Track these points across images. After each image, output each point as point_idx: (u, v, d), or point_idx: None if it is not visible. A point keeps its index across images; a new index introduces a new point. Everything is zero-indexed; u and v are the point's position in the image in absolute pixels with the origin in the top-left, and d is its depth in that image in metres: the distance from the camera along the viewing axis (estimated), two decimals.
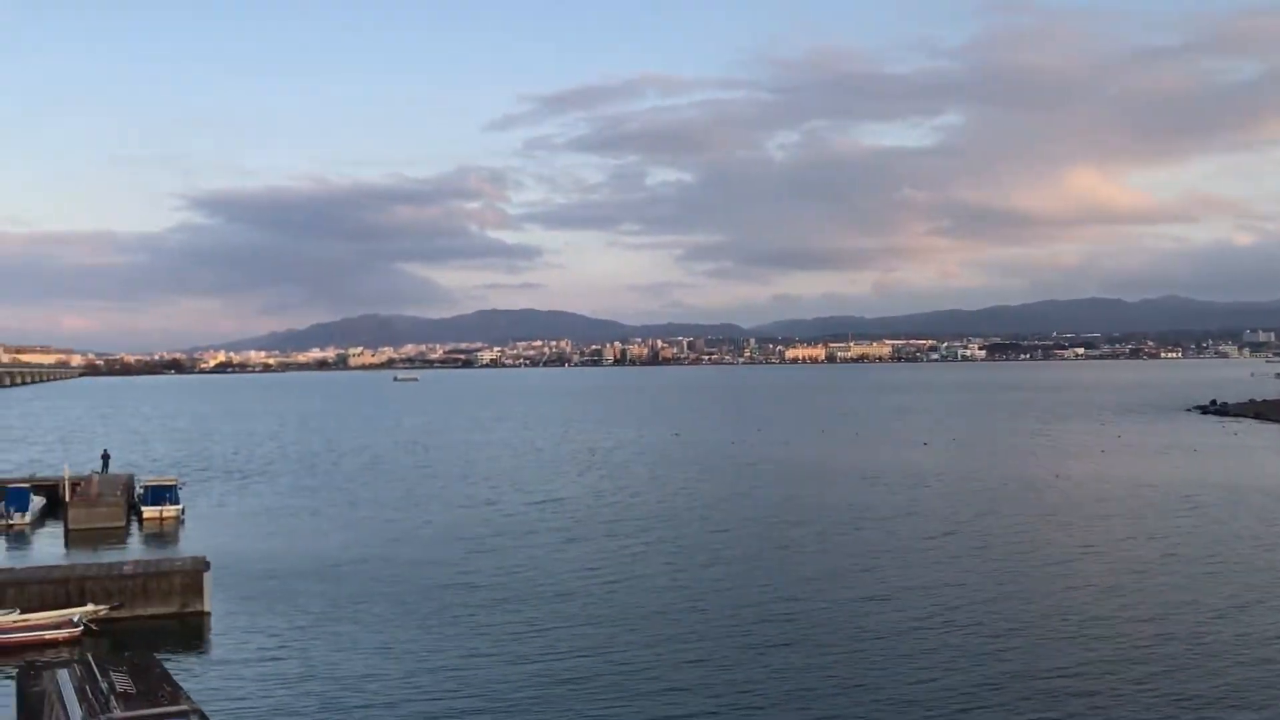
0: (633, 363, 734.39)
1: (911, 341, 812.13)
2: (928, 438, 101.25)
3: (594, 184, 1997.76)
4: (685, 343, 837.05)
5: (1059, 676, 26.85)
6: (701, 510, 56.49)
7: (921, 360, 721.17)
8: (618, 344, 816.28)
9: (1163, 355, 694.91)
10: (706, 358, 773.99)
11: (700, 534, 49.02)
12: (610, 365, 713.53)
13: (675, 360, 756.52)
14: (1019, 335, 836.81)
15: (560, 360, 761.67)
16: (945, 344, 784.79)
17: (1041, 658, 28.58)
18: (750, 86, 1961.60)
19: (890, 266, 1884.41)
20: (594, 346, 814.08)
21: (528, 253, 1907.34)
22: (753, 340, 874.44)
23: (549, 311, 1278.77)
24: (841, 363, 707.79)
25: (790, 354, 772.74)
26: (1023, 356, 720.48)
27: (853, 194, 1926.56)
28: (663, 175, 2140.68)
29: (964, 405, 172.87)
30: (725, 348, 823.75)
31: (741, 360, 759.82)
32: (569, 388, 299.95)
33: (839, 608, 34.29)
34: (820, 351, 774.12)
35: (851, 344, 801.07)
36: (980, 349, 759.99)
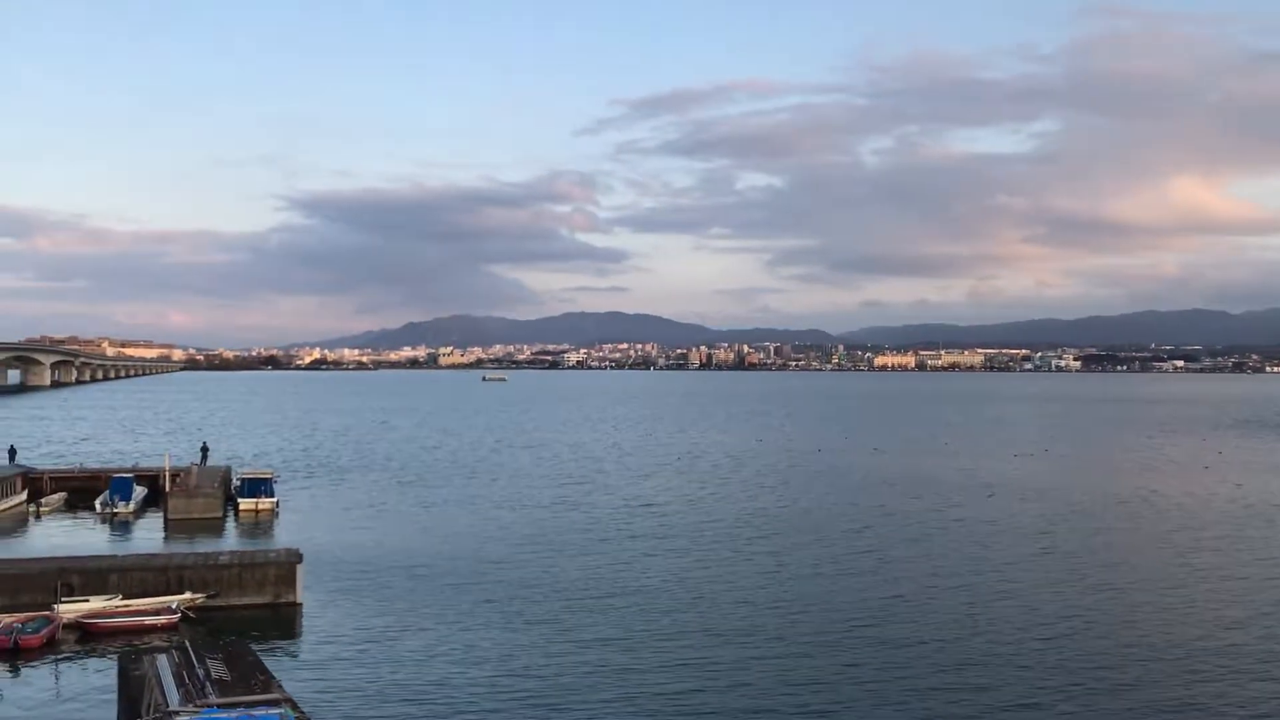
0: (718, 367, 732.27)
1: (1004, 351, 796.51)
2: (1020, 449, 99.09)
3: (683, 188, 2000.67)
4: (772, 348, 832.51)
5: (1172, 711, 25.89)
6: (788, 518, 55.94)
7: (1014, 370, 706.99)
8: (703, 348, 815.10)
9: (1269, 369, 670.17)
10: (793, 364, 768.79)
11: (788, 543, 48.36)
12: (695, 369, 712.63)
13: (761, 366, 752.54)
14: (1116, 346, 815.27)
15: (645, 363, 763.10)
16: (1039, 354, 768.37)
17: (1149, 688, 27.62)
18: (843, 91, 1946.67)
19: (983, 274, 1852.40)
20: (679, 350, 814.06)
21: (615, 256, 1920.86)
22: (841, 347, 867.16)
23: (635, 314, 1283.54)
24: (932, 371, 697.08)
25: (879, 361, 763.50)
26: (1120, 368, 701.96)
27: (946, 200, 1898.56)
28: (752, 179, 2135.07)
29: (1058, 417, 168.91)
30: (812, 354, 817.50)
31: (829, 367, 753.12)
32: (654, 391, 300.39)
33: (933, 627, 33.28)
34: (910, 359, 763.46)
35: (942, 352, 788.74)
36: (1075, 359, 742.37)
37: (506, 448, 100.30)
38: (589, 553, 45.38)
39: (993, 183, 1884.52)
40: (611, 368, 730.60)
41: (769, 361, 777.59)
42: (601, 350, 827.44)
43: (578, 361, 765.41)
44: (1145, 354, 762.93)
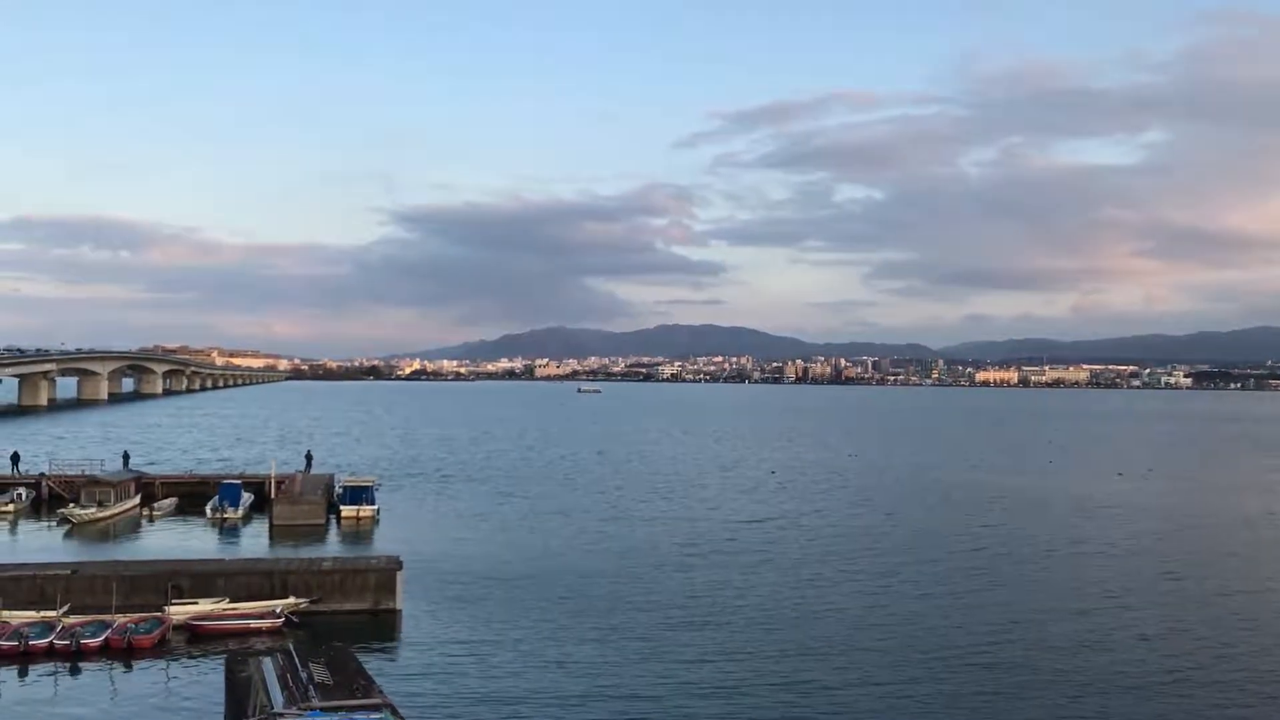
0: (815, 381, 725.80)
1: (1111, 367, 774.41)
2: (1128, 468, 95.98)
3: (779, 200, 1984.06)
4: (870, 362, 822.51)
5: None
6: (891, 536, 54.86)
7: (1121, 386, 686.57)
8: (800, 361, 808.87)
9: None
10: (892, 378, 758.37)
11: (891, 562, 47.23)
12: (791, 383, 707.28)
13: (859, 380, 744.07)
14: (1229, 363, 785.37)
15: (740, 377, 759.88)
16: (1148, 370, 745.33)
17: None
18: (945, 102, 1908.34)
19: (1090, 288, 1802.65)
20: (775, 364, 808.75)
21: (711, 269, 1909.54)
22: (941, 361, 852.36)
23: (730, 327, 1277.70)
24: (1035, 387, 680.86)
25: (980, 376, 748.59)
26: (1233, 385, 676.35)
27: (1051, 213, 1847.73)
28: (851, 192, 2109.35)
29: (1168, 436, 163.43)
30: (912, 368, 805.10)
31: (929, 381, 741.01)
32: (750, 404, 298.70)
33: (1046, 653, 32.04)
34: (1012, 374, 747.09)
35: (1046, 368, 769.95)
36: (1186, 376, 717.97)
37: (605, 460, 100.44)
38: (688, 568, 44.82)
39: (1101, 195, 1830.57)
40: (706, 381, 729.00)
41: (866, 375, 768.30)
42: (696, 363, 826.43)
43: (672, 374, 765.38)
44: (1260, 371, 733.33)
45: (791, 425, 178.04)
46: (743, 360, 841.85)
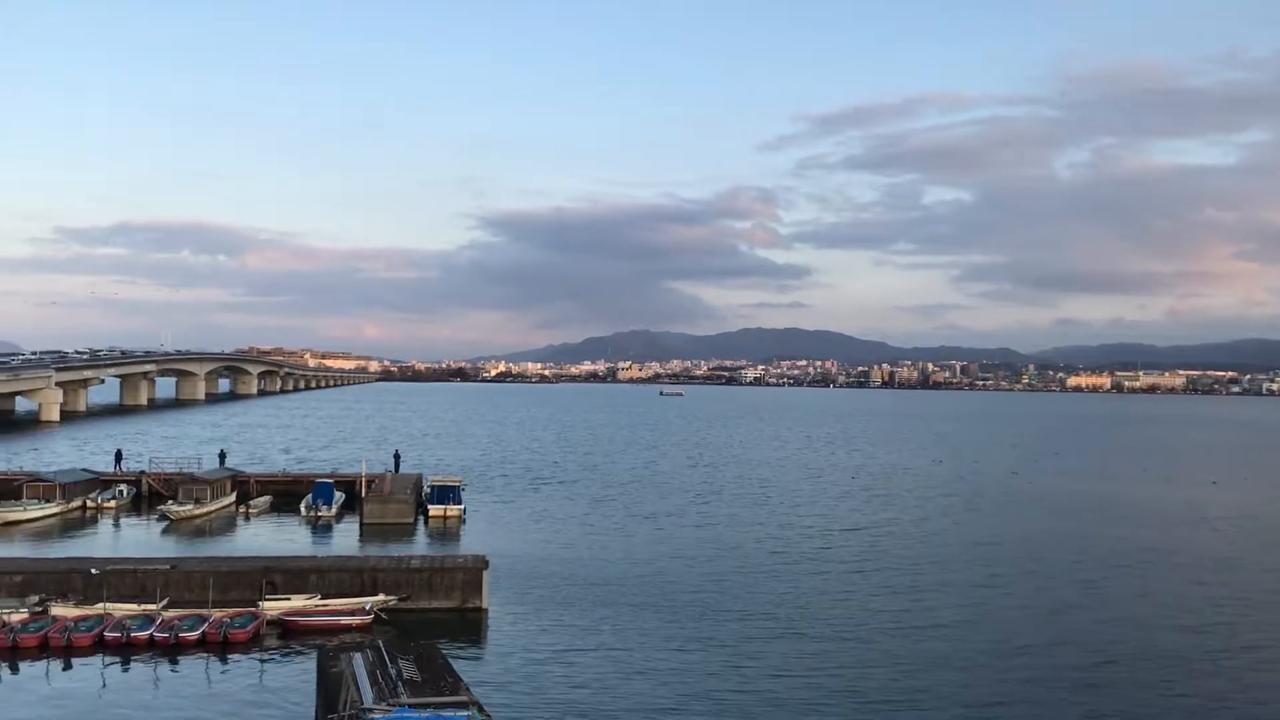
0: (901, 386, 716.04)
1: (1209, 373, 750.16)
2: (1224, 477, 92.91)
3: (866, 203, 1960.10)
4: (958, 366, 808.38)
5: None
6: (988, 545, 53.46)
7: (1220, 393, 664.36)
8: (886, 366, 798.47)
9: None
10: (980, 383, 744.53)
11: (989, 572, 45.94)
12: (877, 387, 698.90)
13: (947, 385, 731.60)
14: None
15: (825, 380, 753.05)
16: (1248, 376, 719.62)
17: None
18: (1037, 103, 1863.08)
19: (1186, 292, 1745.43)
20: (861, 368, 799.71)
21: (796, 272, 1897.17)
22: (1031, 366, 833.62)
23: (815, 331, 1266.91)
24: (1129, 393, 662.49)
25: (1072, 382, 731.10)
26: None
27: (1146, 214, 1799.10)
28: (939, 194, 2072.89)
29: (1269, 444, 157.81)
30: (1001, 373, 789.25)
31: (1018, 387, 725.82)
32: (836, 408, 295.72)
33: (1155, 674, 30.71)
34: (1105, 380, 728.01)
35: (1140, 373, 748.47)
36: None
37: (690, 463, 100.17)
38: (777, 576, 44.07)
39: (1197, 196, 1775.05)
40: (790, 384, 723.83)
41: (954, 380, 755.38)
42: (780, 367, 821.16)
43: (755, 378, 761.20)
44: None
45: (878, 430, 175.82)
46: (827, 364, 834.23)
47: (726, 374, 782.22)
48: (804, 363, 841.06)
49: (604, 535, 54.13)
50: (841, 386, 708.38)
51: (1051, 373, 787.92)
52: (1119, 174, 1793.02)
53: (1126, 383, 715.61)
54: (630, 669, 29.94)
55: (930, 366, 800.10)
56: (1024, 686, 29.07)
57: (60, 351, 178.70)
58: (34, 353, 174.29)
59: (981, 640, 34.07)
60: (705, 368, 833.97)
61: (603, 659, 30.83)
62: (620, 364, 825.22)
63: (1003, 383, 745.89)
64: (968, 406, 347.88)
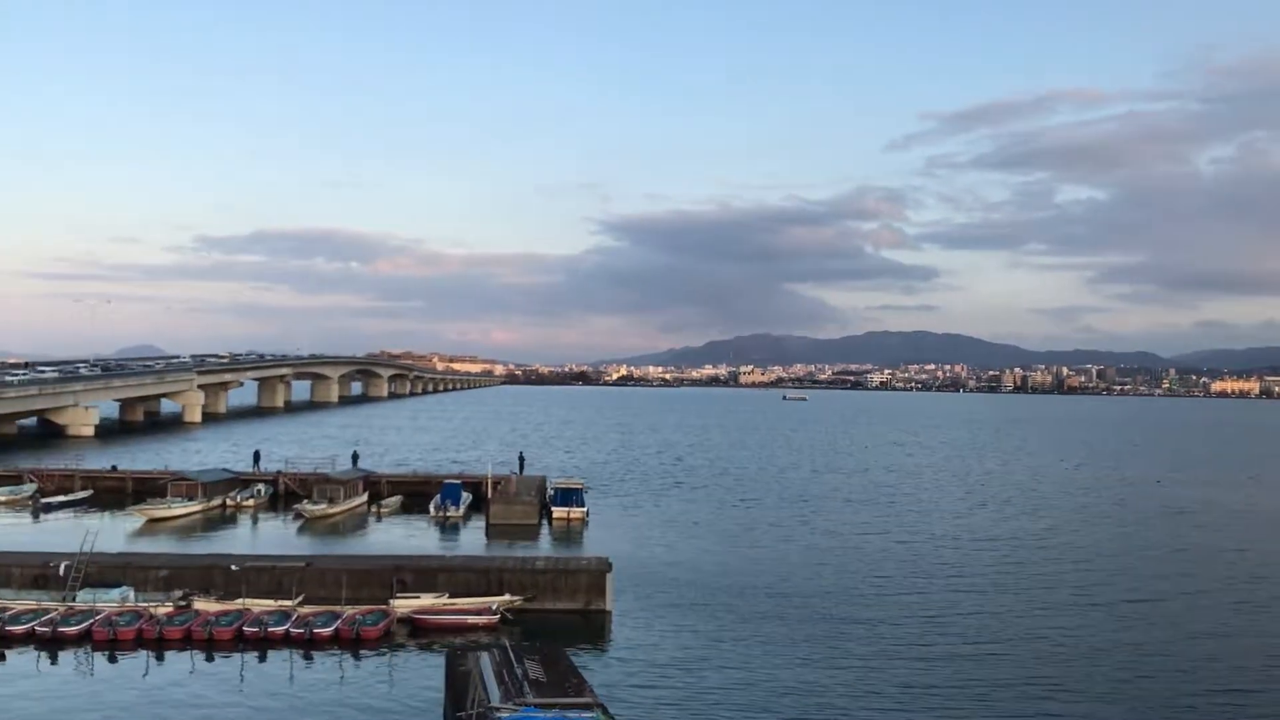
0: (1034, 391, 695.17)
1: None
2: None
3: (997, 202, 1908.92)
4: (1094, 371, 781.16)
5: None
6: (1139, 558, 51.10)
7: None
8: (1018, 370, 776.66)
9: None
10: (1118, 388, 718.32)
11: (1141, 590, 43.51)
12: (1009, 392, 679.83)
13: (1082, 389, 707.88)
14: None
15: (954, 385, 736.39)
16: None
17: None
18: (1179, 97, 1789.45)
19: None
20: (991, 372, 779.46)
21: (924, 273, 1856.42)
22: (1172, 371, 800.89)
23: (943, 334, 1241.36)
24: (1279, 399, 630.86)
25: (1217, 387, 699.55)
26: None
27: None
28: (1074, 193, 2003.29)
29: None
30: (1140, 378, 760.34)
31: (1158, 392, 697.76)
32: (966, 414, 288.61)
33: None
34: (1254, 385, 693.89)
35: None
36: None
37: (817, 469, 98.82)
38: (912, 590, 42.44)
39: None
40: (917, 389, 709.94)
41: (1091, 385, 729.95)
42: (907, 371, 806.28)
43: (881, 382, 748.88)
44: None
45: (1012, 436, 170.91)
46: (957, 368, 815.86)
47: (851, 378, 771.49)
48: (932, 367, 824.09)
49: (728, 541, 53.64)
50: (971, 391, 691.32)
51: (1194, 377, 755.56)
52: (1268, 170, 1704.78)
53: (1276, 388, 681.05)
54: (753, 679, 29.46)
55: (1065, 371, 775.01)
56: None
57: (201, 355, 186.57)
58: (177, 357, 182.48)
59: (1121, 662, 32.37)
60: (829, 372, 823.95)
61: (726, 667, 30.43)
62: (742, 368, 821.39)
63: (1141, 388, 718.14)
64: (1105, 412, 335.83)
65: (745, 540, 54.01)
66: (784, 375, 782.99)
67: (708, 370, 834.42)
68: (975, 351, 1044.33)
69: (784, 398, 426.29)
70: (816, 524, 60.61)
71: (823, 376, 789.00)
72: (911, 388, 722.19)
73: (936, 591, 42.18)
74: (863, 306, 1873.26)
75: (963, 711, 27.22)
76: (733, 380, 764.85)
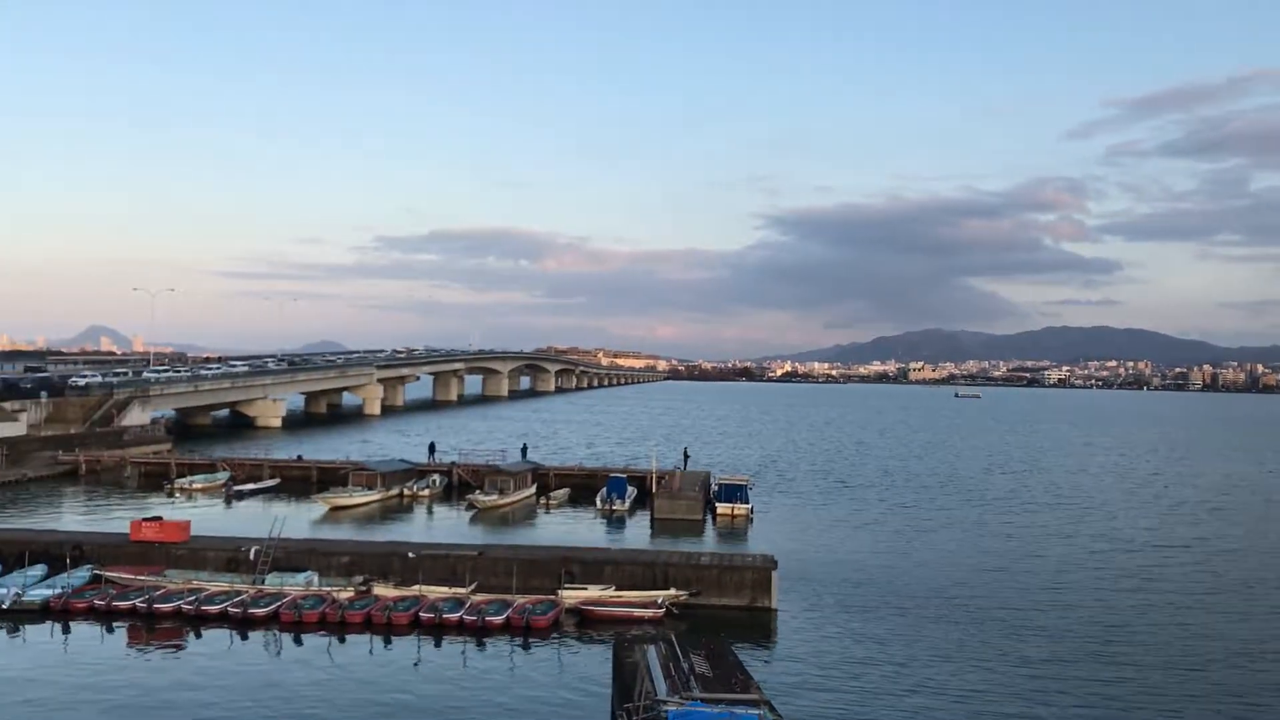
0: (1225, 389, 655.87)
1: None
2: None
3: (1184, 192, 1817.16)
4: None
5: None
6: None
7: None
8: (1207, 367, 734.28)
9: None
10: None
11: None
12: (1197, 390, 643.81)
13: (1279, 388, 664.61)
14: None
15: (1137, 383, 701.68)
16: None
17: None
18: None
19: None
20: (1178, 369, 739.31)
21: (1106, 266, 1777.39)
22: None
23: (1125, 329, 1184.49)
24: None
25: None
26: None
27: None
28: (1270, 180, 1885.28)
29: None
30: None
31: None
32: (1152, 412, 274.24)
33: None
34: None
35: None
36: None
37: (995, 470, 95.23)
38: (1093, 594, 40.66)
39: None
40: (1098, 386, 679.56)
41: None
42: (1086, 368, 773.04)
43: (1059, 379, 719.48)
44: None
45: (1203, 436, 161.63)
46: (1140, 365, 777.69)
47: (1027, 375, 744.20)
48: (1114, 363, 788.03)
49: (898, 541, 52.39)
50: (1156, 389, 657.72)
51: None
52: None
53: None
54: (923, 684, 28.69)
55: (1260, 368, 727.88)
56: None
57: (380, 351, 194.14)
58: (356, 352, 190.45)
59: None
60: (1004, 368, 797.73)
61: (895, 671, 29.75)
62: (912, 364, 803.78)
63: None
64: None
65: (916, 542, 52.62)
66: (956, 372, 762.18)
67: (875, 366, 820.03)
68: (1160, 347, 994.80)
69: (956, 395, 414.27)
70: (993, 526, 58.57)
71: (996, 373, 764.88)
72: (1091, 385, 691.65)
73: (1122, 599, 40.13)
74: (1040, 301, 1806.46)
75: (1152, 715, 25.87)
76: (902, 377, 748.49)
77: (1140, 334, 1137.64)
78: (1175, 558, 49.60)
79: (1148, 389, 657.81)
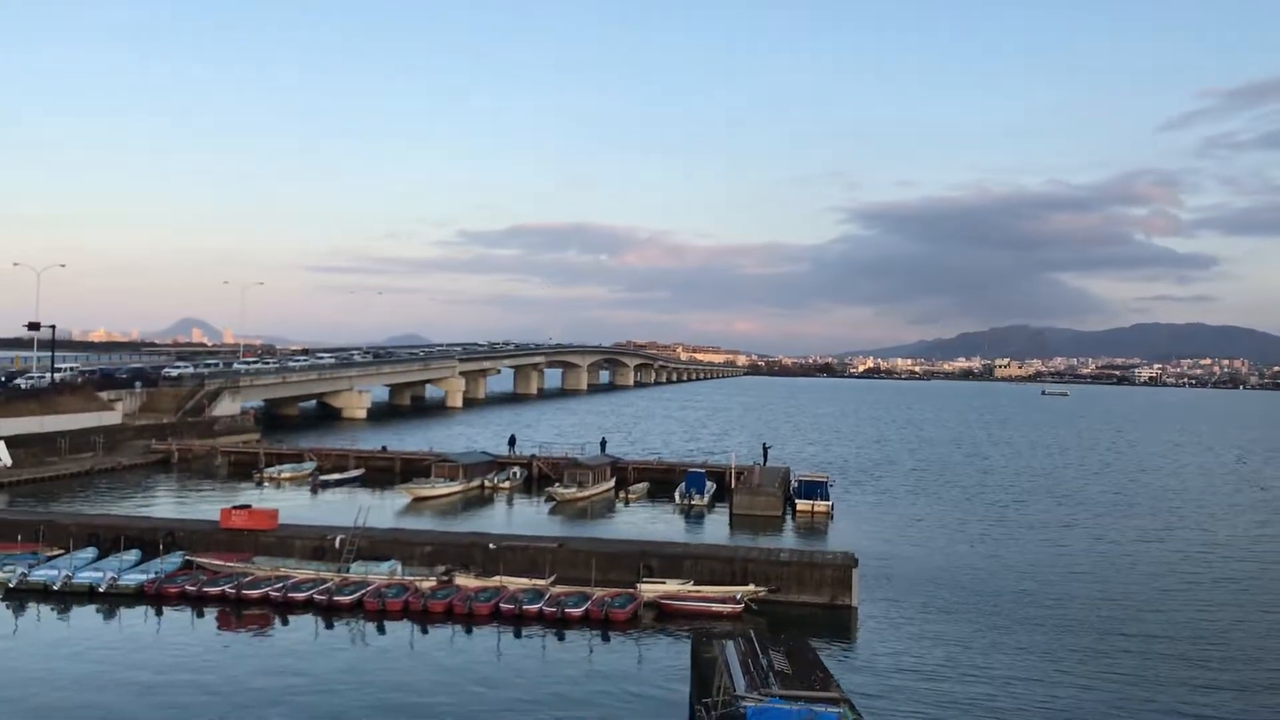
0: None
1: None
2: None
3: None
4: None
5: None
6: None
7: None
8: None
9: None
10: None
11: None
12: None
13: None
14: None
15: (1233, 381, 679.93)
16: None
17: None
18: None
19: None
20: (1277, 368, 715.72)
21: (1201, 262, 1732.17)
22: None
23: (1220, 327, 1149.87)
24: None
25: None
26: None
27: None
28: None
29: None
30: None
31: None
32: (1251, 413, 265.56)
33: None
34: None
35: None
36: None
37: (1085, 470, 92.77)
38: (1190, 602, 39.23)
39: None
40: (1191, 385, 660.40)
41: None
42: (1179, 366, 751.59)
43: (1150, 378, 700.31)
44: None
45: None
46: (1236, 363, 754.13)
47: (1117, 373, 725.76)
48: (1208, 361, 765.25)
49: (984, 542, 51.39)
50: (1253, 388, 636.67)
51: None
52: None
53: None
54: (1006, 689, 28.13)
55: None
56: None
57: (462, 344, 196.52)
58: (440, 345, 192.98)
59: None
60: (1093, 366, 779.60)
61: (978, 674, 29.20)
62: (997, 361, 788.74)
63: None
64: None
65: (1001, 543, 51.62)
66: (1042, 369, 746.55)
67: (960, 363, 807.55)
68: (1257, 345, 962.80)
69: (1043, 393, 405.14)
70: (1082, 528, 57.11)
71: (1085, 371, 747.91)
72: (1184, 384, 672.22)
73: (1221, 608, 38.79)
74: (1131, 297, 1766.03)
75: None
76: (986, 373, 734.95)
77: (1236, 331, 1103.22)
78: (1277, 566, 47.83)
79: (1244, 388, 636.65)
